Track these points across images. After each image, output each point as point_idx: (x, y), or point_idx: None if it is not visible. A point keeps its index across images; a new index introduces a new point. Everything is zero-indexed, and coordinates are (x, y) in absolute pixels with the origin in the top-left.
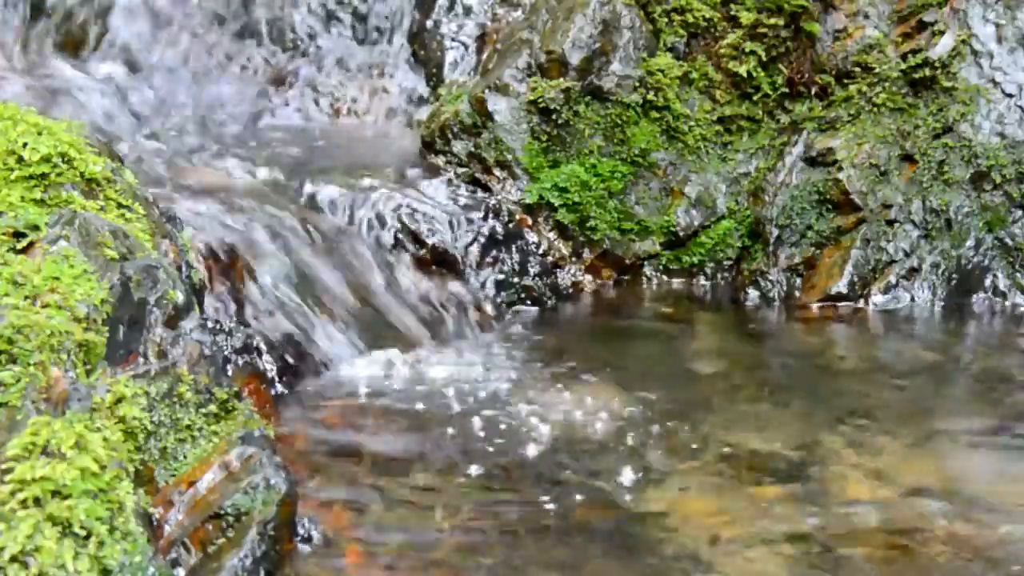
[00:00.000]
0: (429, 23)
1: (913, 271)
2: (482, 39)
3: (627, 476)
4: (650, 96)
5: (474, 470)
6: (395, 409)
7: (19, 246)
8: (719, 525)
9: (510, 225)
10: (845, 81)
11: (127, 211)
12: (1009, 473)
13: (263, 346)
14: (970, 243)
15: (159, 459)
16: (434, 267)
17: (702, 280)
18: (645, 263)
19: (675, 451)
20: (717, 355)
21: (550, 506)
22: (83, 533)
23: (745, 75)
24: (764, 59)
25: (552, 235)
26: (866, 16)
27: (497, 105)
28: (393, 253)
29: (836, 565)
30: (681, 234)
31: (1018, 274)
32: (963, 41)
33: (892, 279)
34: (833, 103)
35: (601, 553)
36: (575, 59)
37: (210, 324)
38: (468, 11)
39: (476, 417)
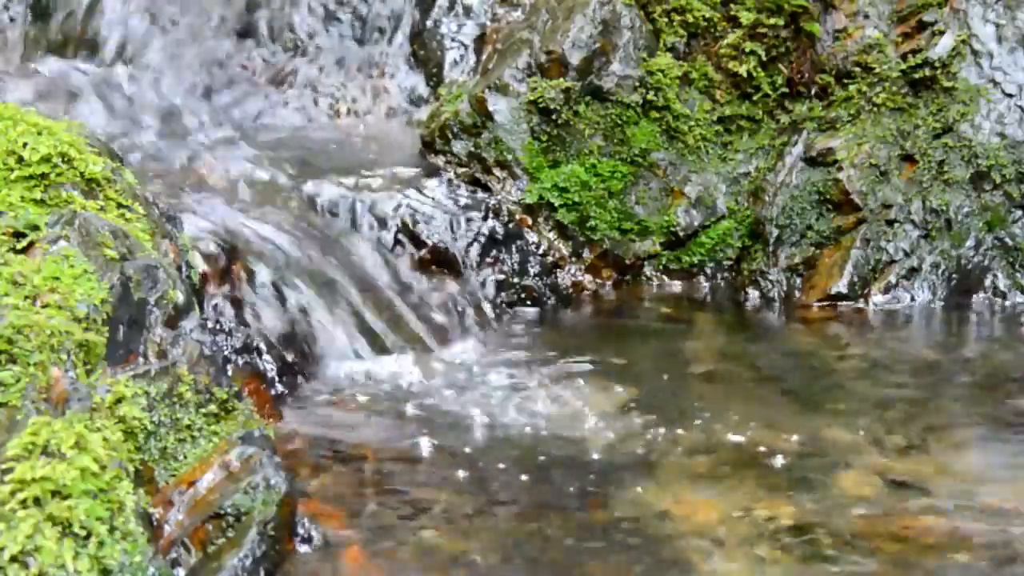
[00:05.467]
0: (429, 23)
1: (913, 271)
2: (482, 39)
3: (627, 475)
4: (650, 96)
5: (474, 470)
6: (395, 409)
7: (19, 246)
8: (720, 524)
9: (510, 225)
10: (845, 81)
11: (127, 211)
12: (1010, 472)
13: (263, 346)
14: (970, 243)
15: (159, 459)
16: (434, 267)
17: (702, 280)
18: (645, 263)
19: (675, 450)
20: (717, 355)
21: (549, 506)
22: (83, 533)
23: (745, 75)
24: (764, 59)
25: (552, 235)
26: (866, 16)
27: (497, 105)
28: (393, 253)
29: (838, 564)
30: (681, 234)
31: (1018, 274)
32: (963, 41)
33: (892, 279)
34: (833, 103)
35: (601, 553)
36: (575, 59)
37: (210, 324)
38: (468, 11)
39: (476, 417)
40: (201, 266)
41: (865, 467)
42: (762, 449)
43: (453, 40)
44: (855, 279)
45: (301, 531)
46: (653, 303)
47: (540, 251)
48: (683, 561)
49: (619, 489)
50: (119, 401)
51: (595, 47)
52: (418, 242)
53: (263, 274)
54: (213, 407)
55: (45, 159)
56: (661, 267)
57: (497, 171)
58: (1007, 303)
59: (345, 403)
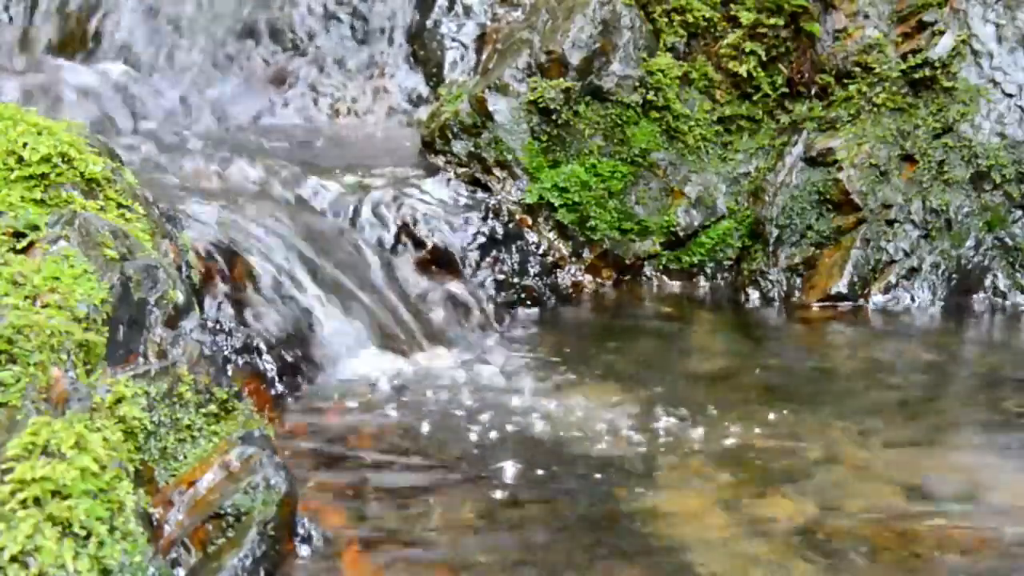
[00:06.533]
0: (429, 23)
1: (913, 271)
2: (482, 39)
3: (627, 475)
4: (650, 96)
5: (474, 470)
6: (394, 409)
7: (19, 246)
8: (719, 523)
9: (510, 225)
10: (845, 81)
11: (127, 211)
12: (1011, 472)
13: (263, 346)
14: (970, 243)
15: (159, 459)
16: (434, 267)
17: (702, 280)
18: (645, 263)
19: (675, 450)
20: (717, 355)
21: (549, 505)
22: (83, 533)
23: (745, 75)
24: (764, 59)
25: (552, 235)
26: (866, 16)
27: (497, 105)
28: (393, 253)
29: (836, 564)
30: (681, 234)
31: (1018, 274)
32: (963, 41)
33: (892, 279)
34: (833, 103)
35: (601, 553)
36: (575, 59)
37: (210, 324)
38: (468, 11)
39: (476, 417)
40: (201, 266)
41: (866, 467)
42: (762, 449)
43: (453, 40)
44: (855, 279)
45: (301, 531)
46: (653, 303)
47: (540, 251)
48: (683, 561)
49: (620, 489)
50: (119, 401)
51: (595, 47)
52: (418, 242)
53: (263, 274)
54: (213, 407)
55: (45, 159)
56: (661, 267)
57: (497, 171)
58: (1007, 303)
59: (345, 403)
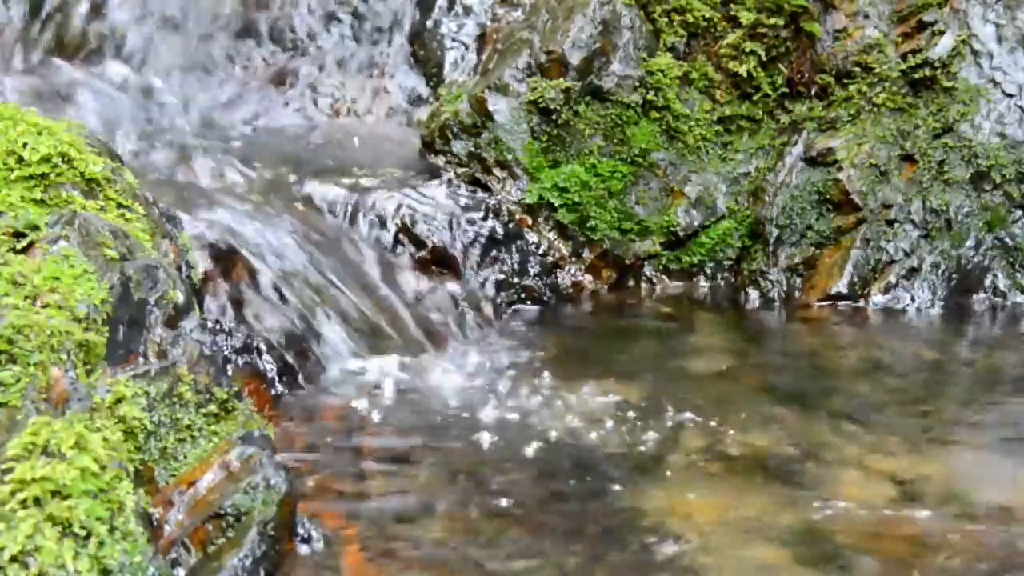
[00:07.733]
0: (429, 23)
1: (913, 271)
2: (482, 39)
3: (627, 475)
4: (650, 96)
5: (474, 470)
6: (395, 409)
7: (19, 246)
8: (719, 524)
9: (510, 225)
10: (845, 81)
11: (127, 211)
12: (1011, 472)
13: (263, 346)
14: (970, 243)
15: (159, 459)
16: (434, 267)
17: (702, 280)
18: (645, 263)
19: (675, 450)
20: (717, 355)
21: (550, 506)
22: (83, 533)
23: (745, 75)
24: (764, 59)
25: (552, 235)
26: (866, 16)
27: (497, 105)
28: (393, 253)
29: (836, 564)
30: (681, 234)
31: (1018, 274)
32: (963, 41)
33: (892, 279)
34: (833, 103)
35: (601, 553)
36: (575, 59)
37: (210, 324)
38: (468, 11)
39: (476, 417)
40: (201, 266)
41: (865, 467)
42: (762, 449)
43: (453, 40)
44: (855, 279)
45: (301, 531)
46: (653, 303)
47: (540, 251)
48: (683, 562)
49: (619, 489)
50: (119, 401)
51: (595, 47)
52: (418, 242)
53: (263, 274)
54: (213, 407)
55: (45, 159)
56: (661, 267)
57: (497, 171)
58: (1007, 303)
59: (345, 403)
